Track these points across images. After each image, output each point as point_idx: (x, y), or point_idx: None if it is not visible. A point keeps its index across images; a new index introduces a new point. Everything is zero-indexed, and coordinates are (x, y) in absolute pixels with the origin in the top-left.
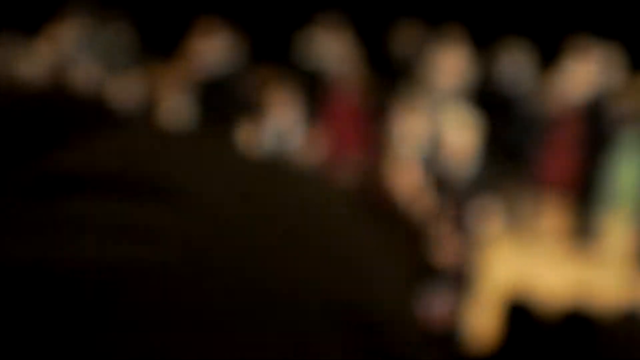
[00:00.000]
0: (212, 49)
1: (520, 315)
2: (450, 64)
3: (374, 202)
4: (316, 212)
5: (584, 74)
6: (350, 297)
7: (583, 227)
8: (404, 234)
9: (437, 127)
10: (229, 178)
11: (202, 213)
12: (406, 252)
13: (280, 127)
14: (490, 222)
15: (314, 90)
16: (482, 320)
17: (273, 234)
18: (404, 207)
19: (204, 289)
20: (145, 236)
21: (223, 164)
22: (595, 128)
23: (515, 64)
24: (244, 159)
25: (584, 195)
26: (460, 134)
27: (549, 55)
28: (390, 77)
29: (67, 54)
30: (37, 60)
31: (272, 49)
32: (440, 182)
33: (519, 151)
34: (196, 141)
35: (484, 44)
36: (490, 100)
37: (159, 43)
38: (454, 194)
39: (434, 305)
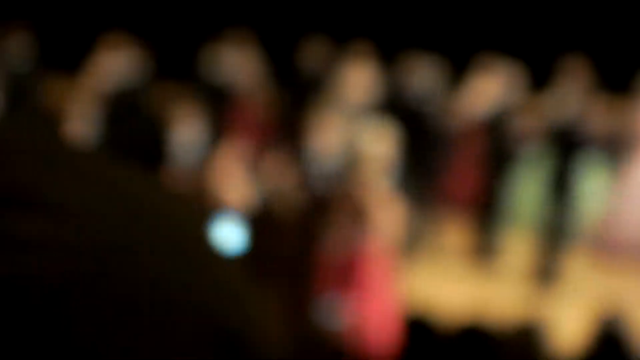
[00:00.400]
0: (117, 64)
1: (419, 330)
2: (358, 80)
3: (271, 219)
4: (191, 234)
5: (488, 91)
6: (221, 315)
7: (484, 244)
8: (298, 248)
9: (351, 141)
10: (108, 193)
11: (83, 227)
12: (300, 270)
13: (185, 142)
14: (401, 234)
15: (220, 106)
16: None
17: (149, 252)
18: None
19: (89, 305)
20: (31, 249)
21: (105, 179)
22: (498, 145)
23: (424, 80)
24: (122, 173)
25: (485, 212)
26: (378, 147)
27: (458, 73)
28: (298, 92)
29: None
30: None
31: (178, 64)
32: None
33: (424, 167)
34: (75, 155)
35: (393, 59)
36: (398, 116)
37: (63, 57)
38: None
39: (335, 321)
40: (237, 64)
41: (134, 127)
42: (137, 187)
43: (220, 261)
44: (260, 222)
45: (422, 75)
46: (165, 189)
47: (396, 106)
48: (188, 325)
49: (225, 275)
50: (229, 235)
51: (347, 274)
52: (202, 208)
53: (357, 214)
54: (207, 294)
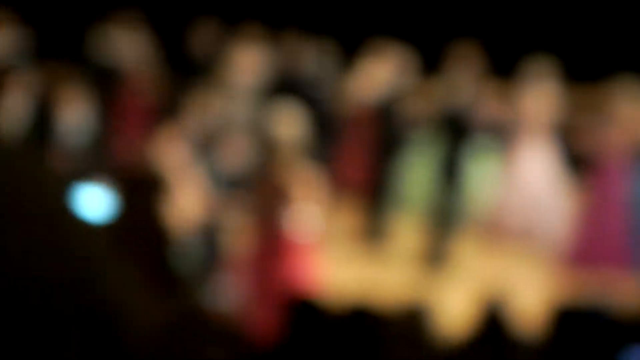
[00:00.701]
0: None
1: (306, 311)
2: (248, 62)
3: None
4: (61, 207)
5: (378, 76)
6: (84, 286)
7: (374, 227)
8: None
9: (260, 125)
10: None
11: None
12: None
13: (71, 123)
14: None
15: (108, 88)
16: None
17: (18, 225)
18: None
19: None
20: None
21: None
22: (388, 130)
23: (314, 64)
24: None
25: (375, 196)
26: (290, 130)
27: (349, 57)
28: (188, 75)
29: None
30: None
31: (66, 45)
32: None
33: (315, 150)
34: None
35: (283, 43)
36: (289, 99)
37: None
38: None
39: (220, 300)
40: (126, 46)
41: (18, 107)
42: (17, 167)
43: (88, 233)
44: (145, 198)
45: (313, 60)
46: (43, 167)
47: (287, 90)
48: (51, 295)
49: (92, 247)
50: (102, 206)
51: (263, 257)
52: (71, 181)
53: (277, 197)
54: (72, 265)
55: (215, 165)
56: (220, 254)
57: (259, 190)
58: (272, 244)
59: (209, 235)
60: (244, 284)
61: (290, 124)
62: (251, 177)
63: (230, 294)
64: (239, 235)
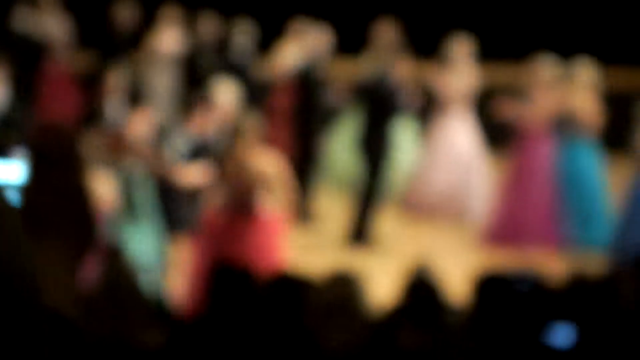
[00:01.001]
0: None
1: (229, 279)
2: (168, 38)
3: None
4: None
5: (300, 53)
6: None
7: (299, 201)
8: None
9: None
10: None
11: None
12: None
13: None
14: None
15: (30, 66)
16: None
17: None
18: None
19: None
20: None
21: None
22: (309, 106)
23: (237, 44)
24: None
25: (300, 171)
26: (225, 98)
27: (272, 36)
28: (109, 53)
29: None
30: None
31: None
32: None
33: None
34: None
35: (205, 23)
36: (216, 77)
37: None
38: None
39: (169, 275)
40: (47, 24)
41: None
42: None
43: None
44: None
45: (234, 39)
46: None
47: (211, 69)
48: None
49: (3, 221)
50: (18, 179)
51: (224, 232)
52: None
53: (241, 175)
54: None
55: (172, 139)
56: (181, 227)
57: (222, 167)
58: (235, 221)
59: (171, 205)
60: (200, 258)
61: (232, 100)
62: (212, 153)
63: (182, 268)
64: (201, 209)
